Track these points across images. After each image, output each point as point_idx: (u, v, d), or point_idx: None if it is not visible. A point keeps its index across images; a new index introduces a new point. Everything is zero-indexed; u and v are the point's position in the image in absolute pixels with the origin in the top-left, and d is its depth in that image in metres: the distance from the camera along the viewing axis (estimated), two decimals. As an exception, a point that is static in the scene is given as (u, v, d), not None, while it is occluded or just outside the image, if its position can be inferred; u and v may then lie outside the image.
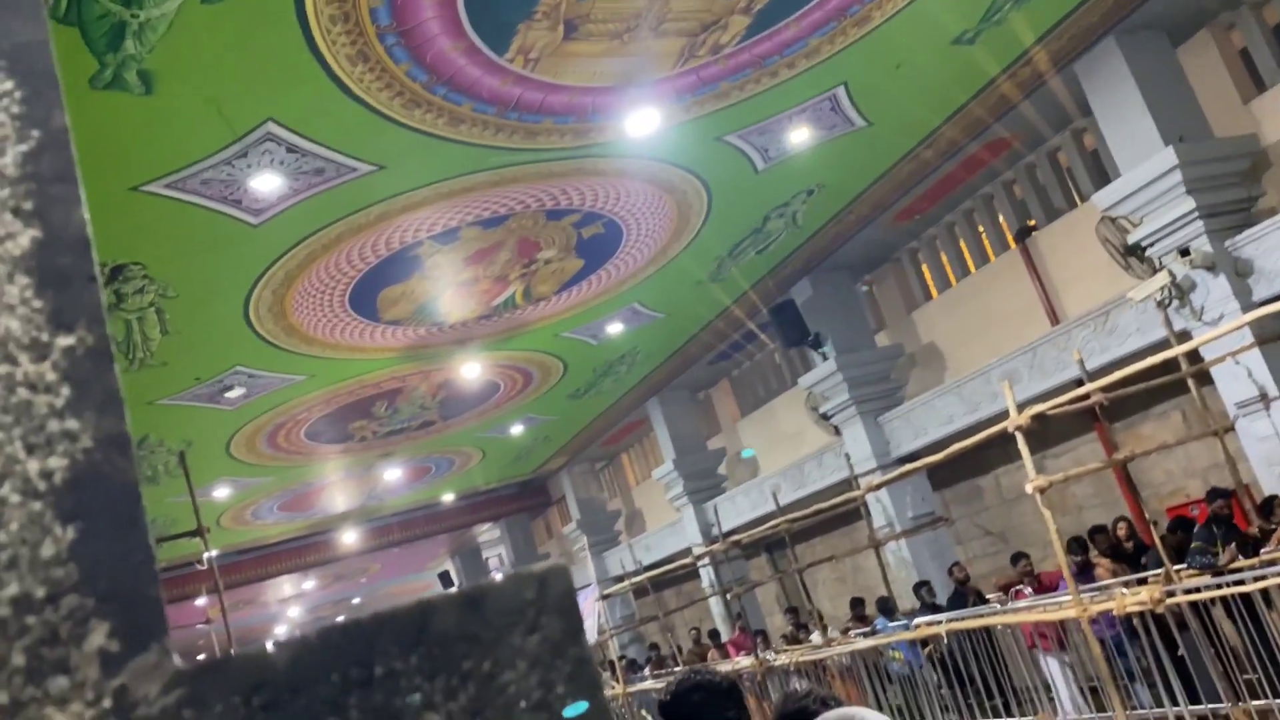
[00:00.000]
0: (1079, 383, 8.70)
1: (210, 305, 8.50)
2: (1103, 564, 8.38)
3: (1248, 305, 7.72)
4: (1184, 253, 8.00)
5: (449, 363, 12.05)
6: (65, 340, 0.40)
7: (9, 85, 0.42)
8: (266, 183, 6.81)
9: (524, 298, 10.66)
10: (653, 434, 17.55)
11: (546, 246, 9.60)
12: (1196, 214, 7.91)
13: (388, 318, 10.12)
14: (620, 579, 15.81)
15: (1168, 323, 7.96)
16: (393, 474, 17.06)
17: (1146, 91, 8.27)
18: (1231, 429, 7.95)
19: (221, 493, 14.67)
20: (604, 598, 14.95)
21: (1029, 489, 6.98)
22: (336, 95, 6.15)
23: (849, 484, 10.57)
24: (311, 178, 6.98)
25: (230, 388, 10.48)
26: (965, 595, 9.61)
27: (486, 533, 24.12)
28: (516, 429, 16.27)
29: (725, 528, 14.27)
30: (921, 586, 10.38)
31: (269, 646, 0.44)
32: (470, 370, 12.38)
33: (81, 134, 5.62)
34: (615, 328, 12.32)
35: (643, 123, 7.51)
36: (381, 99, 6.33)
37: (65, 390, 0.39)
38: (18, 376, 0.39)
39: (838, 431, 12.73)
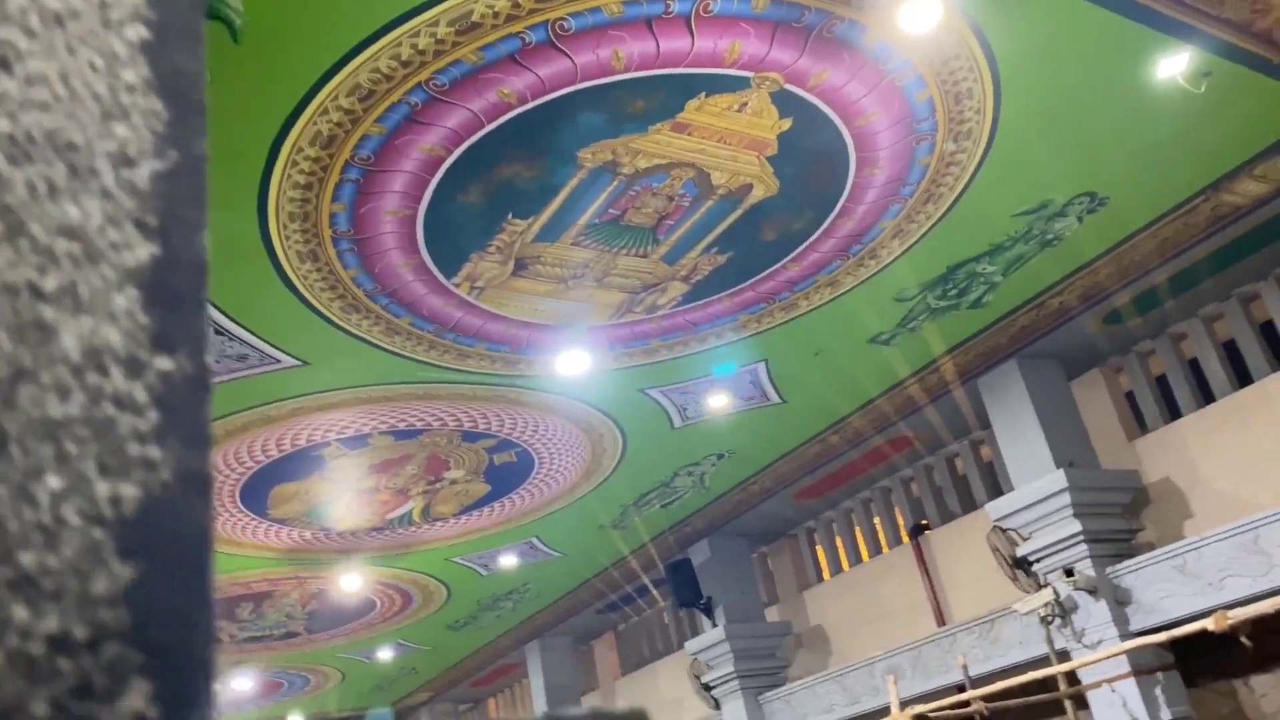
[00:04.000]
0: (961, 688, 8.69)
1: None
2: None
3: (1125, 634, 7.92)
4: (1069, 573, 8.27)
5: (329, 571, 11.53)
6: (164, 363, 0.38)
7: (159, 105, 0.44)
8: (187, 358, 6.71)
9: (422, 515, 10.42)
10: (526, 681, 16.72)
11: (455, 466, 9.52)
12: (1082, 537, 8.26)
13: (275, 514, 9.74)
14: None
15: (1049, 640, 8.11)
16: (241, 685, 15.79)
17: (1042, 415, 8.84)
18: (1105, 757, 7.92)
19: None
20: None
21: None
22: (278, 287, 6.23)
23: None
24: (233, 362, 6.92)
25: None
26: None
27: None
28: (384, 654, 15.37)
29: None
30: None
31: None
32: (350, 582, 11.83)
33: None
34: (509, 560, 12.03)
35: (572, 363, 7.72)
36: (323, 299, 6.43)
37: (153, 415, 0.37)
38: (106, 390, 0.37)
39: (718, 705, 12.32)
